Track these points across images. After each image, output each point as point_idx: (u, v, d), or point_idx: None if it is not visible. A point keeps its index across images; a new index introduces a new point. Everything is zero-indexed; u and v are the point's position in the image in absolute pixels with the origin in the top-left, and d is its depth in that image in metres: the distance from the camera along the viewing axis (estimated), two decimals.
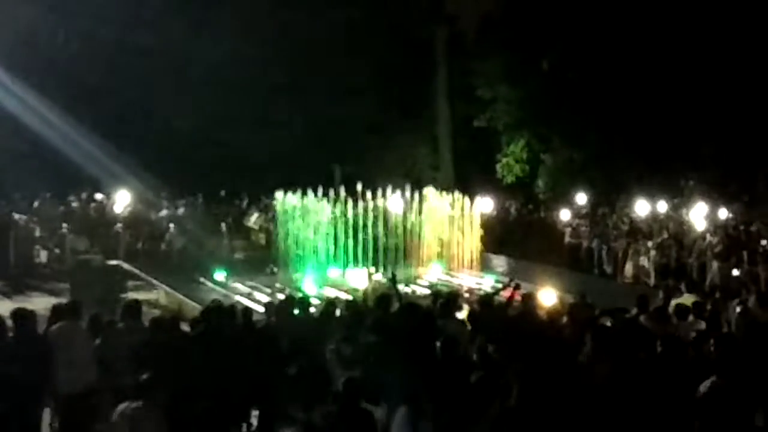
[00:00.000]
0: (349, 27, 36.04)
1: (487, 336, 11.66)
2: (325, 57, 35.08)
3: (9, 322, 10.79)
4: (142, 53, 32.21)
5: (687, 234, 27.62)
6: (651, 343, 11.33)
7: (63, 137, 28.96)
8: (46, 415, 11.22)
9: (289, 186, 23.95)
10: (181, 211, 27.89)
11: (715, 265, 23.44)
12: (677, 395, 9.79)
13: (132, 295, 18.91)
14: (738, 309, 15.11)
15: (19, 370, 10.19)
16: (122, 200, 26.37)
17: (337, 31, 35.49)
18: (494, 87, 39.77)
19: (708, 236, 26.46)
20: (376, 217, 23.47)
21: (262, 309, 14.94)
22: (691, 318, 13.01)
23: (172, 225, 26.38)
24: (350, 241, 23.21)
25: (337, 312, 13.07)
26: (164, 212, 27.54)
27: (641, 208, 31.01)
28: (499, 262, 25.74)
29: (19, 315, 10.85)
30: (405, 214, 24.04)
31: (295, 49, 34.64)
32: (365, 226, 23.27)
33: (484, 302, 13.94)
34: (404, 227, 24.04)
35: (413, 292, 20.75)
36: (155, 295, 21.26)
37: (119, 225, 25.79)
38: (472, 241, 25.11)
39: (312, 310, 13.56)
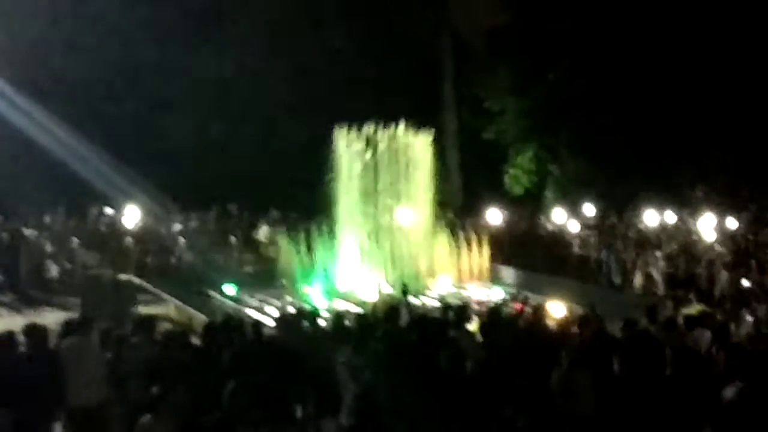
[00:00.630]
0: (356, 40, 36.11)
1: (497, 348, 11.70)
2: (332, 70, 35.17)
3: (21, 337, 10.86)
4: (149, 68, 32.36)
5: (696, 244, 27.61)
6: (660, 353, 11.38)
7: (71, 152, 29.06)
8: (58, 429, 11.23)
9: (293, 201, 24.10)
10: (192, 225, 27.95)
11: (724, 275, 23.40)
12: (687, 403, 9.83)
13: (142, 309, 19.01)
14: (749, 319, 15.14)
15: (31, 384, 10.24)
16: (132, 215, 26.46)
17: (344, 44, 35.58)
18: (502, 99, 39.84)
19: (717, 246, 26.46)
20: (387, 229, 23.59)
21: (272, 322, 14.96)
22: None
23: (181, 239, 26.43)
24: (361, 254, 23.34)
25: (347, 324, 13.09)
26: (177, 226, 27.59)
27: (650, 218, 31.01)
28: (508, 273, 25.74)
29: (31, 330, 10.92)
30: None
31: (301, 64, 34.72)
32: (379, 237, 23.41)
33: (494, 314, 13.96)
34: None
35: (423, 304, 20.79)
36: (165, 309, 21.27)
37: (129, 239, 25.84)
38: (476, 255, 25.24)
39: (322, 323, 13.58)
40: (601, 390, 10.45)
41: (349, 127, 23.64)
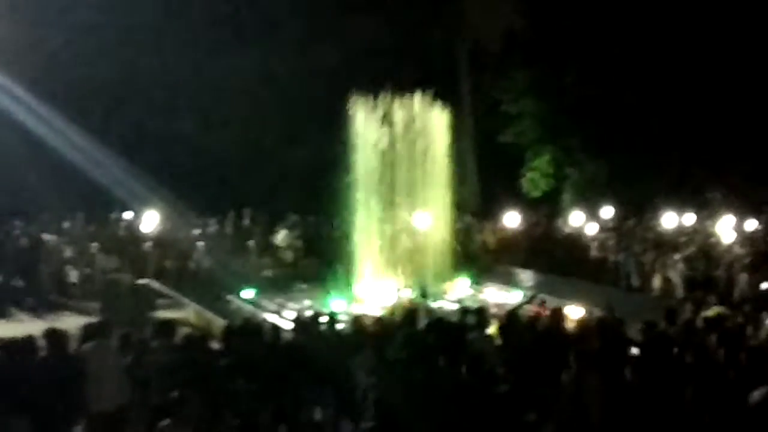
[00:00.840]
0: (374, 46, 36.14)
1: (515, 350, 11.70)
2: (350, 77, 35.21)
3: (41, 342, 10.93)
4: (167, 74, 32.54)
5: (714, 246, 27.48)
6: (680, 355, 11.35)
7: (90, 158, 29.20)
8: None
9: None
10: (210, 229, 28.04)
11: (743, 277, 23.26)
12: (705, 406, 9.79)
13: (161, 314, 19.09)
14: None
15: (51, 388, 10.31)
16: (151, 219, 26.54)
17: (363, 50, 35.62)
18: (518, 102, 39.82)
19: (736, 248, 26.32)
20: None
21: (290, 326, 15.01)
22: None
23: (200, 243, 26.51)
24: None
25: (366, 328, 13.11)
26: (196, 231, 27.67)
27: (668, 220, 30.90)
28: (526, 276, 25.71)
29: (51, 334, 11.00)
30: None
31: (316, 67, 34.80)
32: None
33: (512, 317, 13.96)
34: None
35: (440, 307, 20.77)
36: (184, 313, 21.33)
37: (148, 244, 25.93)
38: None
39: (340, 326, 13.61)
40: (614, 393, 10.41)
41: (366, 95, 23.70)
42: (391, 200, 23.72)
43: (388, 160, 23.60)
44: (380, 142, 23.41)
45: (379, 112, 23.42)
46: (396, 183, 23.80)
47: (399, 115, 23.61)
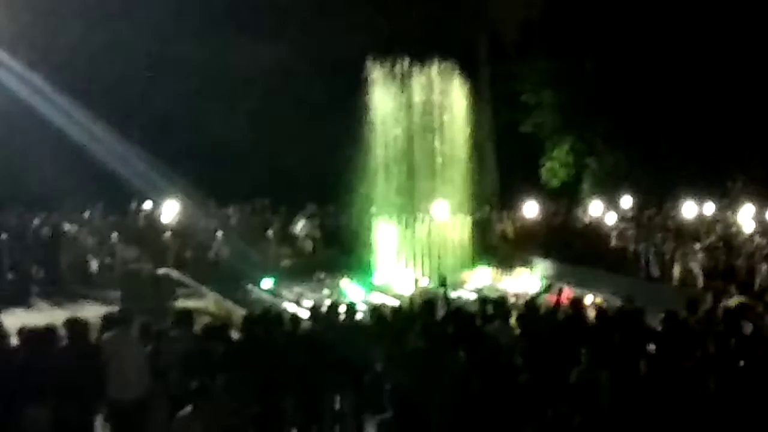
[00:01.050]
0: (392, 37, 36.06)
1: (535, 340, 11.68)
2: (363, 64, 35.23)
3: (62, 331, 10.98)
4: (186, 65, 32.63)
5: (735, 236, 27.33)
6: (701, 345, 11.31)
7: (110, 149, 29.31)
8: (98, 422, 11.32)
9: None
10: (232, 219, 28.12)
11: (763, 266, 23.14)
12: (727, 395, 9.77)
13: (181, 303, 19.14)
14: None
15: (72, 378, 10.35)
16: (170, 210, 26.61)
17: (381, 40, 35.55)
18: (538, 92, 39.71)
19: (756, 237, 26.17)
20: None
21: (309, 316, 15.02)
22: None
23: (219, 233, 26.59)
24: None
25: (384, 318, 13.12)
26: (215, 221, 27.75)
27: (688, 210, 30.75)
28: (545, 266, 25.65)
29: (72, 324, 11.05)
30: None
31: (339, 59, 34.76)
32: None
33: (531, 307, 13.93)
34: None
35: (459, 297, 20.75)
36: (204, 302, 21.40)
37: (168, 234, 26.02)
38: None
39: (359, 316, 13.62)
40: (633, 384, 10.37)
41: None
42: (410, 190, 23.73)
43: (407, 148, 23.59)
44: (398, 118, 23.40)
45: (398, 81, 23.46)
46: (415, 172, 23.80)
47: (417, 88, 23.61)
